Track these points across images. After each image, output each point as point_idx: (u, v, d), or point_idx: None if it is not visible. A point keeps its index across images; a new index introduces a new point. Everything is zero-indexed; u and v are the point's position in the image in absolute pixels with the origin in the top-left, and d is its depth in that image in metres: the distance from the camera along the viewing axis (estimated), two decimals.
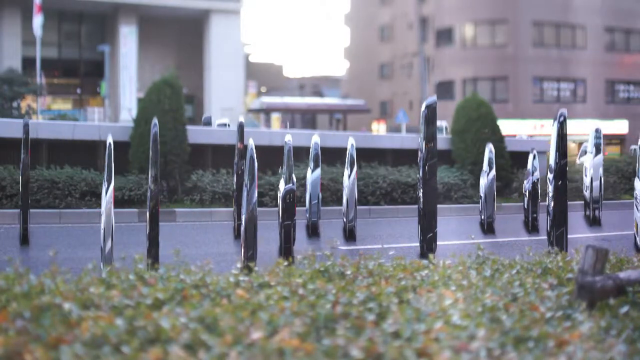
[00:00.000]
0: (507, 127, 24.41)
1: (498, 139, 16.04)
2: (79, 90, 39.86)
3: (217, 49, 38.46)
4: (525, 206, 10.97)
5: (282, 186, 7.62)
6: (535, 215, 10.72)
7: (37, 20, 28.92)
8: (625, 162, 18.49)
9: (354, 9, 57.83)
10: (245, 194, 6.47)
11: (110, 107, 36.73)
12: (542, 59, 40.58)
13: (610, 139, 40.79)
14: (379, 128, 47.77)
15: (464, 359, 2.49)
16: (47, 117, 28.00)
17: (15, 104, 26.07)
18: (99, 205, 12.05)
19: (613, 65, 42.40)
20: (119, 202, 12.31)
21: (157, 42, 39.58)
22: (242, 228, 6.38)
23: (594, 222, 11.39)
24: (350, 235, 9.78)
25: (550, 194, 7.24)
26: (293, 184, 7.63)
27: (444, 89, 42.57)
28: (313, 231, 9.82)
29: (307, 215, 9.97)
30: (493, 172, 10.87)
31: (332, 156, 14.08)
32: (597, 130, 11.52)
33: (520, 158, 15.68)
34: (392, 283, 3.73)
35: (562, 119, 7.23)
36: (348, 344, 2.49)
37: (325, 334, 2.67)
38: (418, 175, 7.33)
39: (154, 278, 3.43)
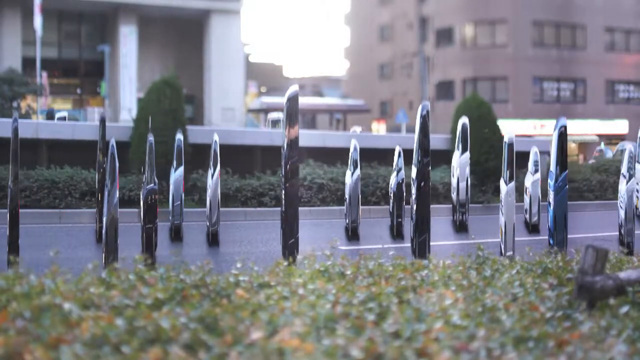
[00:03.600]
0: (507, 127, 24.38)
1: (498, 139, 16.03)
2: (79, 90, 39.85)
3: (217, 49, 38.44)
4: (391, 209, 10.07)
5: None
6: (400, 220, 9.84)
7: (37, 20, 28.93)
8: None
9: (354, 9, 57.82)
10: (106, 194, 6.18)
11: (110, 107, 36.72)
12: (542, 59, 40.57)
13: (611, 139, 40.77)
14: (379, 128, 47.77)
15: (464, 359, 2.49)
16: (47, 117, 27.98)
17: (15, 104, 26.06)
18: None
19: (613, 65, 42.40)
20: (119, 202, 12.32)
21: (157, 42, 39.57)
22: (104, 231, 6.10)
23: (460, 227, 10.43)
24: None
25: (413, 197, 6.86)
26: (155, 184, 7.24)
27: (444, 89, 42.58)
28: (176, 234, 9.29)
29: (170, 218, 9.34)
30: (358, 171, 9.85)
31: (332, 156, 14.08)
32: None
33: (520, 158, 15.66)
34: (392, 283, 3.73)
35: (424, 112, 7.04)
36: (348, 344, 2.49)
37: (325, 334, 2.67)
38: (280, 176, 6.73)
39: (154, 278, 3.43)
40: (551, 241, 7.26)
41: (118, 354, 2.38)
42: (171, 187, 9.47)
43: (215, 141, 9.61)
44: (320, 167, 13.93)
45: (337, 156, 14.08)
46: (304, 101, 46.83)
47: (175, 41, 40.31)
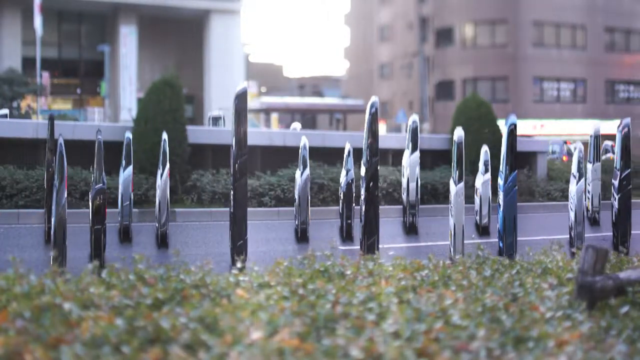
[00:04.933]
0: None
1: (498, 139, 16.03)
2: (79, 90, 39.84)
3: (217, 49, 38.44)
4: (340, 211, 9.77)
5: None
6: (349, 221, 9.53)
7: (37, 20, 28.92)
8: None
9: (354, 9, 57.83)
10: (54, 194, 6.00)
11: (110, 107, 36.72)
12: (542, 59, 40.58)
13: (611, 139, 40.80)
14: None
15: (464, 359, 2.49)
16: (46, 117, 27.98)
17: (15, 104, 26.07)
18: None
19: (613, 65, 42.40)
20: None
21: (157, 42, 39.57)
22: (52, 232, 5.94)
23: (410, 229, 10.08)
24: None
25: (362, 198, 6.64)
26: (104, 184, 7.07)
27: (444, 89, 42.58)
28: (125, 235, 9.04)
29: (119, 218, 9.10)
30: (307, 171, 9.56)
31: (332, 156, 14.08)
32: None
33: (521, 158, 15.68)
34: (392, 283, 3.73)
35: (373, 109, 6.97)
36: (348, 344, 2.49)
37: (325, 334, 2.67)
38: (230, 176, 6.42)
39: (154, 278, 3.43)
40: (501, 244, 7.02)
41: (118, 354, 2.38)
42: (120, 187, 9.10)
43: (165, 140, 9.30)
44: (321, 167, 13.94)
45: (337, 156, 14.08)
46: (304, 101, 46.95)
47: (175, 41, 40.31)
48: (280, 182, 13.24)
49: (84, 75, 40.24)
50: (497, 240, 7.28)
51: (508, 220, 6.97)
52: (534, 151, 16.81)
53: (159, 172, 9.13)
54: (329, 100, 48.85)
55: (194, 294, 3.24)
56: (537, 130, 36.79)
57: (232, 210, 6.28)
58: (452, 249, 7.34)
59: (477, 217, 10.32)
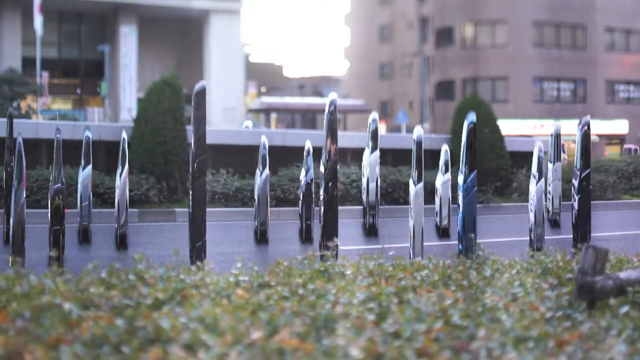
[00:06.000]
0: (507, 127, 24.39)
1: (498, 139, 16.05)
2: (79, 90, 39.84)
3: (217, 49, 38.46)
4: (300, 211, 9.55)
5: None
6: (309, 222, 9.28)
7: (37, 20, 28.92)
8: (625, 162, 18.52)
9: (354, 9, 57.82)
10: (12, 194, 5.91)
11: (110, 107, 36.73)
12: (542, 59, 40.58)
13: (611, 139, 40.80)
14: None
15: (464, 359, 2.49)
16: (47, 117, 28.00)
17: (15, 104, 26.07)
18: (100, 206, 12.07)
19: (613, 65, 42.39)
20: None
21: (157, 42, 39.58)
22: (11, 232, 5.88)
23: (370, 231, 9.68)
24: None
25: (321, 198, 6.45)
26: (62, 184, 6.98)
27: (444, 89, 42.57)
28: (84, 236, 8.88)
29: (78, 219, 8.94)
30: (266, 171, 9.38)
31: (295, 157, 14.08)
32: (374, 121, 9.79)
33: (520, 158, 15.68)
34: (392, 283, 3.73)
35: (332, 107, 6.65)
36: (348, 344, 2.49)
37: (325, 334, 2.67)
38: (189, 175, 6.29)
39: (154, 278, 3.43)
40: (460, 246, 6.75)
41: (118, 354, 2.38)
42: (79, 187, 8.89)
43: (124, 138, 9.09)
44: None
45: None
46: (304, 101, 46.94)
47: (175, 41, 40.32)
48: (280, 182, 13.24)
49: (84, 75, 40.25)
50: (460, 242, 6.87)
51: (467, 222, 6.67)
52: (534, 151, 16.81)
53: (118, 171, 8.91)
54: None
55: (194, 294, 3.24)
56: (537, 130, 36.78)
57: (190, 210, 6.14)
58: (411, 251, 7.08)
59: (437, 219, 10.01)
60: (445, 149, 10.14)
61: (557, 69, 40.94)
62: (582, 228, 7.77)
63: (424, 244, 7.25)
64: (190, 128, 14.59)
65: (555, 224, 10.58)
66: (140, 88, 33.49)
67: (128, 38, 36.48)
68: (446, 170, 9.86)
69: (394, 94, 49.96)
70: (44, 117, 27.69)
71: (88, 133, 9.20)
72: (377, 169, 9.57)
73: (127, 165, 8.89)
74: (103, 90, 37.03)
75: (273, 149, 14.40)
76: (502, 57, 40.51)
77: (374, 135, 9.62)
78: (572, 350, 2.65)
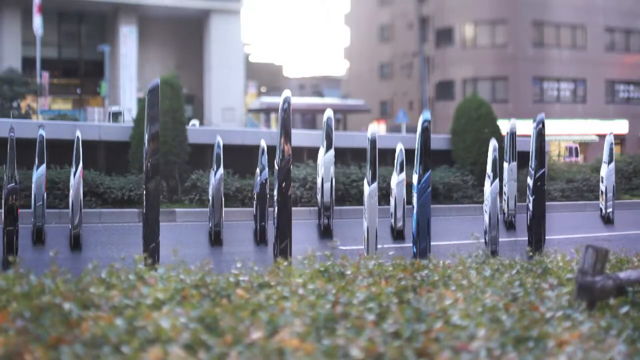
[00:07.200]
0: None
1: (498, 139, 16.03)
2: (79, 90, 39.85)
3: (217, 49, 38.45)
4: (255, 212, 9.30)
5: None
6: (263, 223, 9.05)
7: (37, 20, 28.92)
8: (625, 162, 18.52)
9: (354, 9, 57.82)
10: None
11: (110, 107, 36.73)
12: (542, 59, 40.58)
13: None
14: (379, 128, 47.78)
15: (464, 359, 2.49)
16: (47, 117, 27.99)
17: (15, 104, 26.07)
18: (99, 205, 12.08)
19: (613, 65, 42.40)
20: (119, 202, 12.33)
21: (157, 42, 39.59)
22: None
23: (325, 232, 9.27)
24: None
25: (275, 199, 6.27)
26: (16, 184, 6.85)
27: (444, 89, 42.57)
28: (38, 237, 8.62)
29: (32, 219, 8.70)
30: (221, 170, 9.19)
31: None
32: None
33: (520, 158, 15.66)
34: (392, 283, 3.73)
35: (285, 105, 6.45)
36: (348, 344, 2.49)
37: (325, 334, 2.67)
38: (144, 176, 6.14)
39: (154, 278, 3.43)
40: (414, 249, 6.54)
41: (118, 354, 2.38)
42: (33, 186, 8.68)
43: (78, 137, 8.98)
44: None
45: (337, 156, 14.07)
46: (304, 101, 46.94)
47: (175, 41, 40.32)
48: None
49: (84, 75, 40.26)
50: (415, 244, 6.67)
51: (422, 224, 6.46)
52: None
53: (72, 170, 8.74)
54: (329, 100, 48.85)
55: (194, 294, 3.24)
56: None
57: (144, 211, 5.99)
58: (365, 254, 6.74)
59: (392, 220, 9.64)
60: (400, 147, 9.82)
61: (557, 69, 40.95)
62: (536, 230, 7.48)
63: (379, 246, 7.02)
64: (190, 128, 14.56)
65: (510, 226, 10.13)
66: (140, 88, 33.50)
67: (128, 38, 36.48)
68: (401, 170, 9.53)
69: (394, 94, 49.96)
70: (44, 117, 27.68)
71: (42, 132, 9.00)
72: (332, 168, 9.22)
73: (81, 164, 8.68)
74: (103, 90, 37.03)
75: (273, 149, 14.39)
76: (502, 57, 40.51)
77: (329, 134, 9.26)
78: (572, 350, 2.65)
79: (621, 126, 41.62)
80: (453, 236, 10.04)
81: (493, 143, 8.66)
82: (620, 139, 41.09)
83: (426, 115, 6.83)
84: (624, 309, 3.47)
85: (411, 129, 32.40)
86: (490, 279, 3.95)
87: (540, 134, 7.89)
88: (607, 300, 3.63)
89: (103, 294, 3.11)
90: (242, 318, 2.75)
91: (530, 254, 5.58)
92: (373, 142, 7.38)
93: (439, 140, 16.47)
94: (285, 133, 6.34)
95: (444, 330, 2.74)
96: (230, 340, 2.48)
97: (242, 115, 39.10)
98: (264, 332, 2.58)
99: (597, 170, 16.96)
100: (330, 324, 2.79)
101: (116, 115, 19.28)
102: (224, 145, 9.48)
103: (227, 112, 37.44)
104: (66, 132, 13.36)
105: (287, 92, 6.65)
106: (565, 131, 38.01)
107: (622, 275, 3.83)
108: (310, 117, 49.46)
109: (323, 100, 49.66)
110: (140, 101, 17.32)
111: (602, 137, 39.07)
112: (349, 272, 3.94)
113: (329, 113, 9.73)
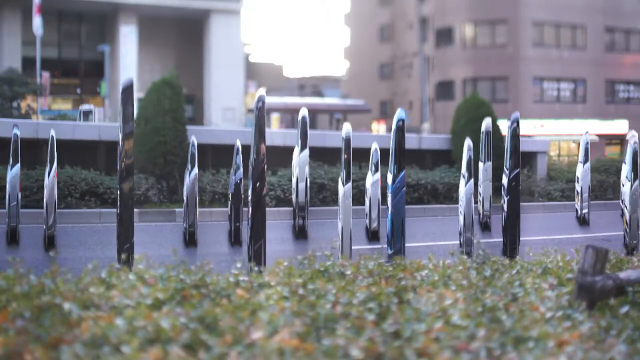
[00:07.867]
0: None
1: (498, 139, 16.04)
2: (79, 90, 39.83)
3: (217, 49, 38.43)
4: (229, 212, 9.14)
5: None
6: (238, 224, 8.93)
7: (37, 20, 28.88)
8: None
9: (354, 9, 57.82)
10: None
11: (110, 107, 36.71)
12: (542, 59, 40.57)
13: (611, 139, 40.77)
14: (379, 128, 47.78)
15: (464, 359, 2.49)
16: (47, 117, 27.98)
17: (15, 104, 26.07)
18: (99, 205, 12.08)
19: (613, 65, 42.39)
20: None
21: (157, 42, 39.56)
22: None
23: (300, 233, 9.29)
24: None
25: (249, 199, 6.19)
26: None
27: (444, 89, 42.57)
28: (12, 237, 8.61)
29: (7, 220, 8.68)
30: (195, 170, 9.03)
31: (332, 156, 14.07)
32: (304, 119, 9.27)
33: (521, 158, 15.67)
34: (392, 283, 3.73)
35: (259, 104, 6.27)
36: (348, 344, 2.49)
37: (325, 334, 2.67)
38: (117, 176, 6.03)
39: (154, 278, 3.43)
40: (389, 250, 6.43)
41: (118, 354, 2.38)
42: (7, 187, 8.60)
43: (52, 136, 8.87)
44: (321, 167, 13.93)
45: (337, 156, 14.07)
46: (304, 101, 46.91)
47: (175, 41, 40.30)
48: (280, 182, 13.24)
49: (84, 75, 40.24)
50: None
51: (396, 224, 6.36)
52: (534, 151, 16.82)
53: (47, 170, 8.64)
54: (329, 100, 48.84)
55: (194, 294, 3.24)
56: (537, 130, 36.78)
57: (118, 211, 5.91)
58: (340, 255, 6.76)
59: (367, 221, 9.49)
60: (375, 147, 9.70)
61: (557, 69, 40.95)
62: (510, 231, 7.39)
63: (354, 247, 6.96)
64: (190, 128, 14.59)
65: (486, 227, 10.04)
66: (140, 88, 33.48)
67: (128, 38, 36.48)
68: (376, 170, 9.39)
69: (394, 94, 49.95)
70: (43, 117, 27.67)
71: (16, 131, 8.88)
72: (307, 168, 9.14)
73: (55, 164, 8.58)
74: (103, 90, 37.01)
75: (274, 149, 14.40)
76: (502, 57, 40.50)
77: (304, 133, 9.19)
78: (572, 350, 2.65)
79: (621, 126, 41.62)
80: (454, 237, 10.07)
81: (468, 142, 8.53)
82: (620, 139, 41.09)
83: (401, 114, 6.73)
84: (624, 309, 3.47)
85: (411, 129, 32.42)
86: (490, 279, 3.95)
87: (515, 134, 7.79)
88: (607, 300, 3.63)
89: (103, 294, 3.11)
90: (242, 318, 2.75)
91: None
92: (347, 141, 7.26)
93: (439, 140, 16.46)
94: (260, 132, 6.19)
95: (444, 330, 2.74)
96: (230, 340, 2.48)
97: (242, 115, 39.08)
98: (264, 332, 2.58)
99: (597, 170, 16.97)
100: (330, 324, 2.79)
101: (87, 114, 19.34)
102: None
103: (227, 112, 37.43)
104: (66, 132, 13.38)
105: (261, 91, 6.57)
106: (565, 131, 38.02)
107: (622, 275, 3.83)
108: (310, 117, 49.41)
109: (323, 100, 49.66)
110: (140, 101, 17.34)
111: (602, 137, 39.09)
112: (349, 272, 3.94)
113: (303, 112, 9.66)
